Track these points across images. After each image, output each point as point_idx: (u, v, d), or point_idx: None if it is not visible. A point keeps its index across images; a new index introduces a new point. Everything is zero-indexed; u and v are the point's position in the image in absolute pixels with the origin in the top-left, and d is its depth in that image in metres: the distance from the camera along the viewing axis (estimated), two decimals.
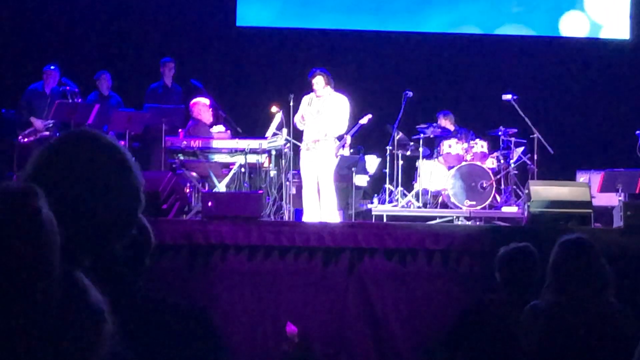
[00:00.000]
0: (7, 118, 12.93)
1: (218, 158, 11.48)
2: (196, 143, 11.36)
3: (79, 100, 12.45)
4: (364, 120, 12.27)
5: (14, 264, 1.41)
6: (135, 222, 1.99)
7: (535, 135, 12.73)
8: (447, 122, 13.67)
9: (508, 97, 13.01)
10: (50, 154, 1.96)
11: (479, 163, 12.69)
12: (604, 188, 11.83)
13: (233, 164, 11.42)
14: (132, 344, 1.82)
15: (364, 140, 13.13)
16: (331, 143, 11.64)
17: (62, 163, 1.93)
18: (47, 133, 12.44)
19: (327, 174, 11.49)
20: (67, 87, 12.43)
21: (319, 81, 11.60)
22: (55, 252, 1.47)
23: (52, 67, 12.96)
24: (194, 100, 12.44)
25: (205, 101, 12.42)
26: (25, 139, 12.41)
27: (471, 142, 12.93)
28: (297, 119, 11.62)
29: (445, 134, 13.32)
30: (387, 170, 12.93)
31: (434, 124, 13.34)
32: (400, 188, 12.79)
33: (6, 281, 1.40)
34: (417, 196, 12.76)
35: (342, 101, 11.65)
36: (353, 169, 11.97)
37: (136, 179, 2.00)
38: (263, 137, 11.65)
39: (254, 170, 11.52)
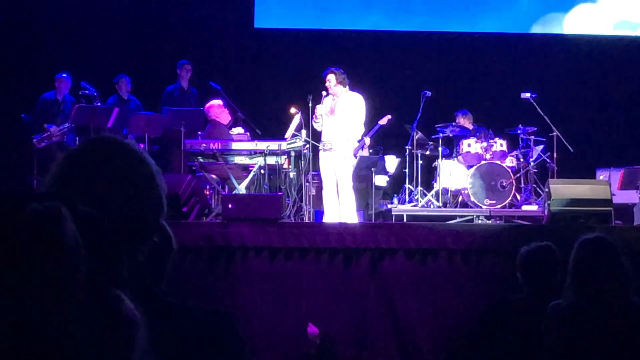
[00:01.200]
0: (27, 122, 13.01)
1: (237, 160, 11.49)
2: (215, 145, 11.34)
3: (98, 103, 12.50)
4: (383, 121, 12.28)
5: (36, 288, 1.40)
6: (158, 229, 1.98)
7: (554, 133, 12.69)
8: (465, 121, 13.62)
9: (527, 95, 12.99)
10: (72, 161, 1.95)
11: (498, 162, 12.65)
12: (624, 185, 11.80)
13: (252, 165, 11.42)
14: (155, 349, 1.83)
15: (383, 140, 13.14)
16: (349, 143, 11.60)
17: (84, 170, 1.92)
18: (60, 137, 12.50)
19: (346, 174, 11.45)
20: (87, 91, 12.48)
21: (330, 79, 11.53)
22: (79, 273, 1.45)
23: (64, 75, 13.04)
24: (208, 104, 12.43)
25: (219, 102, 12.42)
26: (40, 144, 12.46)
27: (490, 141, 12.90)
28: (313, 121, 11.62)
29: (464, 133, 13.27)
30: (407, 170, 12.92)
31: (453, 123, 13.29)
32: (420, 188, 12.76)
33: (30, 304, 1.40)
34: (437, 196, 12.73)
35: (355, 100, 11.46)
36: (372, 169, 11.97)
37: (159, 186, 1.98)
38: (282, 138, 11.64)
39: (273, 171, 11.53)
